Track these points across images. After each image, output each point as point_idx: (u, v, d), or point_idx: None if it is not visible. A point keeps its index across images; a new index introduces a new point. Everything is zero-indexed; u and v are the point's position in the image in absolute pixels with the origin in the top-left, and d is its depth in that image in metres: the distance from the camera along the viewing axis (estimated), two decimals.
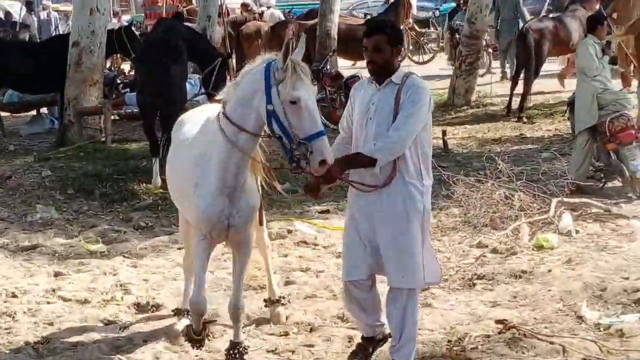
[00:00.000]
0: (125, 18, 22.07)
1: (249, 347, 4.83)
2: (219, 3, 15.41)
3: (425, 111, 4.23)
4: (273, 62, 4.08)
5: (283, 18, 19.45)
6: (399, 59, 4.57)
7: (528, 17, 16.34)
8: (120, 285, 6.66)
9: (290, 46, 4.18)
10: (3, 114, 13.92)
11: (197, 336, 4.65)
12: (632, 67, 11.81)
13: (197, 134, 4.69)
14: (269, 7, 22.60)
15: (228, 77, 10.51)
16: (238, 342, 4.66)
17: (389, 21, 5.34)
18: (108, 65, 13.32)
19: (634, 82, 10.96)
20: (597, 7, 12.84)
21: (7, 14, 20.76)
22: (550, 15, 16.02)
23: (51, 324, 5.83)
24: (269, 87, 4.03)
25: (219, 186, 4.35)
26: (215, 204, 4.40)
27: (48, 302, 6.28)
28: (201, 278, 4.57)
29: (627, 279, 6.25)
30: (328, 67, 14.08)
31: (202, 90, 11.17)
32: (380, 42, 4.27)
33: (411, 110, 4.17)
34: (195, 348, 4.81)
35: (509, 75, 15.73)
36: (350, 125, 4.50)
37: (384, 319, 4.64)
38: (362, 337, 4.80)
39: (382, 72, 4.32)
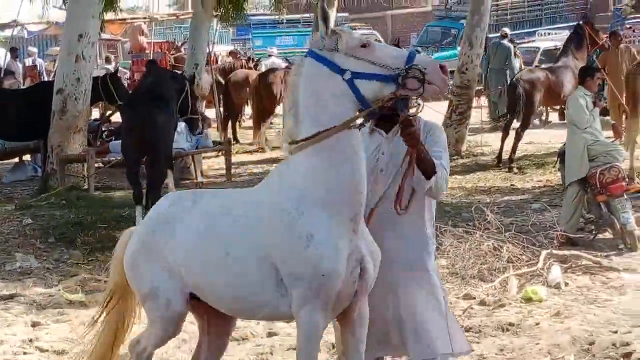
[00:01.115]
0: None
1: None
2: (207, 51, 15.50)
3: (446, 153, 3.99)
4: (311, 50, 3.70)
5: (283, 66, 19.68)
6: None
7: (518, 68, 16.69)
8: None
9: (327, 13, 3.87)
10: None
11: None
12: (623, 118, 12.05)
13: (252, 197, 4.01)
14: (270, 55, 22.82)
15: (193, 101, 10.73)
16: None
17: None
18: (96, 113, 13.23)
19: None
20: (589, 59, 13.20)
21: None
22: (542, 66, 16.22)
23: None
24: (329, 62, 3.56)
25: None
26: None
27: (24, 353, 6.18)
28: None
29: (615, 332, 6.23)
30: None
31: (189, 136, 11.57)
32: None
33: (441, 152, 3.83)
34: None
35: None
36: None
37: None
38: None
39: (389, 118, 3.92)
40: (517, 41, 20.73)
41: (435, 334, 3.81)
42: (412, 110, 3.57)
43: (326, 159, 3.52)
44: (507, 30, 19.39)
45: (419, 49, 17.59)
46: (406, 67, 3.39)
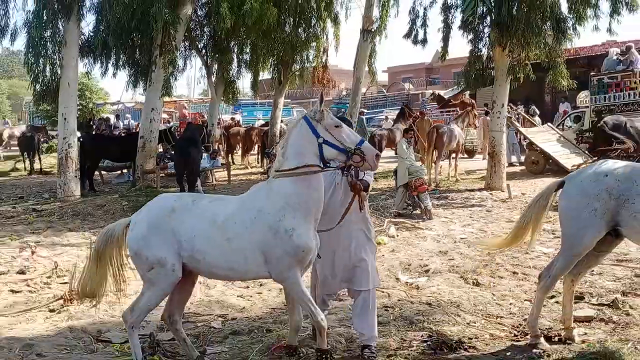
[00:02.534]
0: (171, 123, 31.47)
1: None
2: (218, 117, 23.42)
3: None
4: (306, 116, 4.60)
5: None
6: None
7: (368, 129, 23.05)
8: None
9: (323, 97, 4.72)
10: (103, 172, 20.60)
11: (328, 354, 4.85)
12: (427, 155, 16.88)
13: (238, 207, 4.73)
14: (258, 120, 33.41)
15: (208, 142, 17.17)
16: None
17: (345, 117, 5.68)
18: (160, 148, 18.77)
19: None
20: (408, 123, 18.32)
21: (107, 119, 30.18)
22: (386, 128, 21.87)
23: (125, 281, 6.49)
24: (313, 128, 4.48)
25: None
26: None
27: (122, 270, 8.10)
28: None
29: (421, 259, 8.87)
30: (274, 151, 19.84)
31: (209, 160, 18.18)
32: None
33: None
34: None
35: None
36: None
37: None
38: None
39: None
40: (370, 116, 30.51)
41: (372, 273, 5.15)
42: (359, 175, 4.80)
43: (304, 185, 4.49)
44: (364, 110, 25.65)
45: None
46: (355, 148, 4.38)
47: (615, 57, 19.76)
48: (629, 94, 18.35)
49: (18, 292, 7.69)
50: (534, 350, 5.35)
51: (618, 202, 4.93)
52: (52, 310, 6.97)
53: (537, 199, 5.78)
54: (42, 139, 26.57)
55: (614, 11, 14.70)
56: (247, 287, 7.52)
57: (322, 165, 4.51)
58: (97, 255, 5.08)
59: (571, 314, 5.74)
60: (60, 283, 8.05)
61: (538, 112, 23.71)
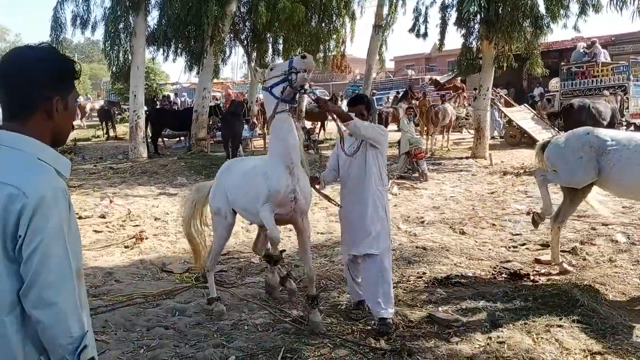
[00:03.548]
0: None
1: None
2: (256, 95, 21.88)
3: (382, 134, 4.43)
4: (263, 85, 4.26)
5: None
6: (371, 119, 4.64)
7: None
8: None
9: (257, 70, 4.61)
10: (165, 139, 19.97)
11: (275, 256, 4.42)
12: (424, 128, 16.80)
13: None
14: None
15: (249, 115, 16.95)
16: (314, 295, 4.52)
17: (364, 95, 5.39)
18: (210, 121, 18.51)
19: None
20: (409, 103, 17.77)
21: (168, 96, 29.83)
22: (392, 106, 21.03)
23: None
24: (263, 87, 4.24)
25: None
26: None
27: (181, 217, 8.15)
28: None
29: (418, 212, 8.97)
30: (301, 124, 19.64)
31: (248, 130, 17.59)
32: (362, 109, 4.53)
33: (376, 127, 4.53)
34: (272, 264, 4.69)
35: None
36: (336, 163, 4.66)
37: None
38: (355, 302, 4.91)
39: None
40: (379, 96, 28.22)
41: (383, 238, 4.46)
42: (306, 89, 4.11)
43: (275, 135, 4.17)
44: (375, 91, 25.41)
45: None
46: (288, 69, 3.92)
47: (582, 50, 19.54)
48: (592, 81, 18.26)
49: (100, 232, 7.91)
50: (507, 286, 5.40)
51: (598, 153, 5.20)
52: (126, 247, 7.17)
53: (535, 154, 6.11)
54: (116, 111, 26.84)
55: (582, 11, 14.57)
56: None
57: (287, 108, 4.05)
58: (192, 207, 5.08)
59: (558, 253, 5.91)
60: (133, 225, 8.26)
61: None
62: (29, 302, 1.54)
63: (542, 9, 14.37)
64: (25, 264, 1.54)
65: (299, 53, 4.05)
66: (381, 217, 4.45)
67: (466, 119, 21.13)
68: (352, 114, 4.40)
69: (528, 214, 8.47)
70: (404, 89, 22.02)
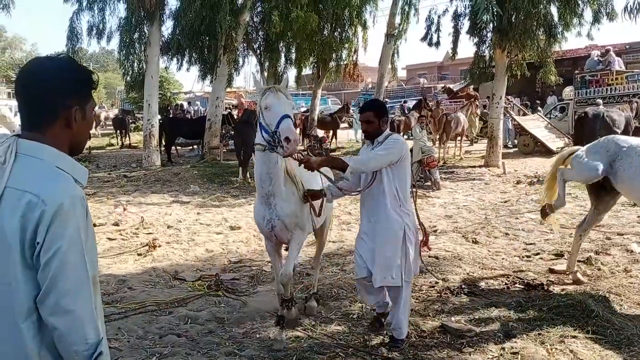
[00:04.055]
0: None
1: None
2: None
3: (393, 152, 3.93)
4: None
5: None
6: (386, 126, 4.20)
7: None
8: (224, 218, 9.28)
9: (261, 82, 4.28)
10: (178, 147, 20.37)
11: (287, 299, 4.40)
12: (437, 137, 16.72)
13: None
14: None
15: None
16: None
17: (377, 100, 4.93)
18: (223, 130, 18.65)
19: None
20: (420, 113, 17.81)
21: (181, 105, 30.86)
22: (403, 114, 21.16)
23: (195, 233, 8.26)
24: (260, 111, 3.87)
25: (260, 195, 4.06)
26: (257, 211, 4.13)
27: (194, 225, 8.91)
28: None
29: (430, 221, 8.76)
30: (313, 132, 19.57)
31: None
32: (370, 116, 4.12)
33: (381, 152, 3.96)
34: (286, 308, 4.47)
35: None
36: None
37: (387, 299, 4.44)
38: (376, 312, 4.67)
39: (373, 136, 4.14)
40: (391, 105, 27.71)
41: (403, 268, 4.07)
42: (286, 150, 3.62)
43: (257, 164, 4.09)
44: (387, 100, 25.66)
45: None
46: (274, 129, 3.62)
47: (596, 58, 19.44)
48: (607, 89, 18.13)
49: (113, 239, 7.96)
50: (521, 296, 5.36)
51: (611, 158, 5.31)
52: (139, 254, 7.19)
53: (555, 162, 6.09)
54: (130, 120, 27.13)
55: (596, 20, 14.49)
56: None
57: (267, 145, 3.78)
58: None
59: (575, 261, 5.91)
60: (146, 233, 8.29)
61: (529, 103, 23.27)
62: (46, 309, 1.56)
63: (555, 17, 14.35)
64: (42, 271, 1.56)
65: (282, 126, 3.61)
66: (398, 241, 4.02)
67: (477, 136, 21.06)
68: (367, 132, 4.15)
69: (541, 223, 8.41)
70: (418, 99, 22.11)
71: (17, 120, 27.03)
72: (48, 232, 1.55)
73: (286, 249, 4.44)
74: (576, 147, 6.08)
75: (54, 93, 1.68)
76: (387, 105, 25.80)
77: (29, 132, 1.70)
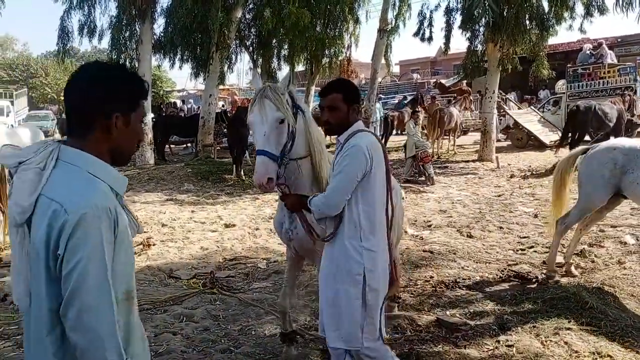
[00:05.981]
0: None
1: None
2: None
3: (351, 170, 2.80)
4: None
5: None
6: (356, 116, 3.00)
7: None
8: (218, 216, 9.24)
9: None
10: (172, 145, 20.34)
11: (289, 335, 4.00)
12: (431, 132, 16.56)
13: None
14: None
15: None
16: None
17: (345, 80, 3.47)
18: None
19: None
20: (417, 108, 17.72)
21: (174, 103, 31.81)
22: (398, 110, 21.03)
23: (190, 231, 8.19)
24: None
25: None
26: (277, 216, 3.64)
27: (188, 223, 8.82)
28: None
29: (425, 216, 8.90)
30: None
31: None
32: (336, 100, 2.97)
33: (336, 175, 2.86)
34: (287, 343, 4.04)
35: None
36: None
37: None
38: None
39: (337, 130, 3.02)
40: (385, 100, 27.98)
41: (352, 323, 2.89)
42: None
43: None
44: (381, 95, 25.79)
45: None
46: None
47: (588, 52, 19.49)
48: (599, 83, 18.20)
49: None
50: (515, 289, 5.39)
51: (621, 171, 5.11)
52: (134, 253, 7.12)
53: (563, 163, 5.89)
54: None
55: (587, 13, 14.57)
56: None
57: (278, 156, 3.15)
58: None
59: (572, 255, 5.90)
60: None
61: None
62: (68, 323, 1.51)
63: (547, 10, 14.39)
64: (64, 283, 1.51)
65: None
66: (350, 289, 2.85)
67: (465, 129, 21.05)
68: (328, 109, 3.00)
69: (535, 216, 8.47)
70: (412, 95, 22.13)
71: (8, 120, 26.62)
72: (69, 243, 1.50)
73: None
74: (574, 151, 5.95)
75: (95, 100, 1.65)
76: (382, 101, 25.82)
77: (72, 139, 1.67)
